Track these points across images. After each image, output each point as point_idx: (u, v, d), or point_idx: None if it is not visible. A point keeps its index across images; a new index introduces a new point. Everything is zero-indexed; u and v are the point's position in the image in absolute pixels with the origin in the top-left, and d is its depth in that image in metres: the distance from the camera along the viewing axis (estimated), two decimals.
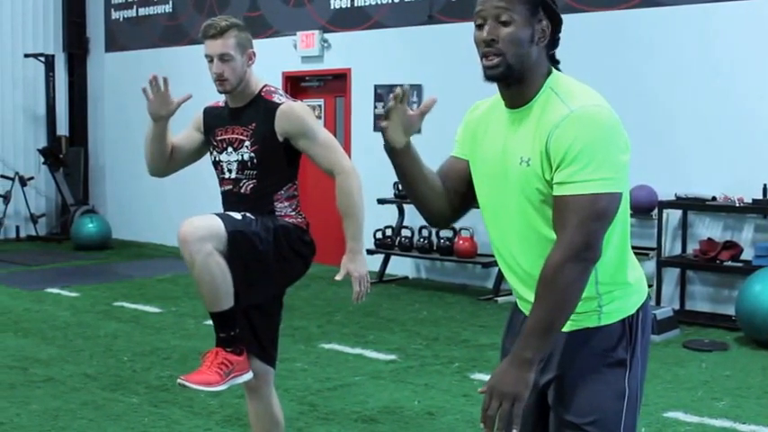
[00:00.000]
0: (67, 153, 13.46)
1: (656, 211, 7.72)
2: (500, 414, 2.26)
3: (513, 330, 2.57)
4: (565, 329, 2.38)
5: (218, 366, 3.54)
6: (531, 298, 2.39)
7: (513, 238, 2.44)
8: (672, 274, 7.90)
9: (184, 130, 3.84)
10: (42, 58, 13.09)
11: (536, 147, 2.30)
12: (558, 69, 2.44)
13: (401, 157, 2.57)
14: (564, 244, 2.24)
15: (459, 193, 2.60)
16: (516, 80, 2.35)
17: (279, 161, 3.61)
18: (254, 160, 3.60)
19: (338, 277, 3.63)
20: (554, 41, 2.41)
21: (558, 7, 2.38)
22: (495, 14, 2.30)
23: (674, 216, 7.90)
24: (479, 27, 2.35)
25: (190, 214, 10.57)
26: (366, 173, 11.19)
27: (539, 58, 2.36)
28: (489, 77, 2.36)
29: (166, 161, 3.79)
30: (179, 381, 3.56)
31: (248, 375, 3.65)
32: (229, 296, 3.49)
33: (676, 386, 5.73)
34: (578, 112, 2.25)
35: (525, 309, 2.51)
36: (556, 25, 2.38)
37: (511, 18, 2.29)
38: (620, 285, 2.40)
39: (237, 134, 3.63)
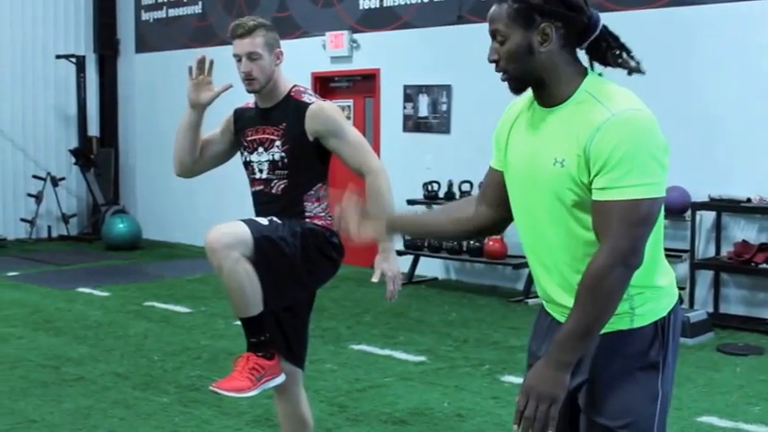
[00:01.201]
0: (98, 153, 13.58)
1: (689, 212, 7.65)
2: (537, 415, 2.26)
3: (540, 333, 2.57)
4: None
5: (249, 372, 3.55)
6: (562, 300, 2.40)
7: (543, 239, 2.43)
8: (705, 277, 7.83)
9: (214, 129, 3.85)
10: (73, 60, 13.21)
11: (573, 148, 2.29)
12: (600, 61, 2.42)
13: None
14: (609, 249, 2.23)
15: (500, 204, 2.60)
16: (536, 86, 2.38)
17: (309, 161, 3.62)
18: (285, 160, 3.61)
19: (374, 279, 3.64)
20: (582, 36, 2.37)
21: (569, 6, 2.32)
22: (493, 35, 2.36)
23: (707, 218, 7.83)
24: None
25: (220, 215, 10.63)
26: (395, 173, 11.12)
27: (555, 60, 2.34)
28: (510, 90, 2.42)
29: (195, 157, 3.79)
30: (211, 388, 3.58)
31: (280, 379, 3.65)
32: (258, 301, 3.49)
33: (710, 390, 5.68)
34: (620, 116, 2.24)
35: (553, 311, 2.51)
36: (569, 22, 2.33)
37: (504, 36, 2.33)
38: (651, 288, 2.38)
39: (268, 134, 3.64)
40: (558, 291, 2.44)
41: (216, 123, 3.87)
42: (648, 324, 2.38)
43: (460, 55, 9.53)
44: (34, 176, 13.08)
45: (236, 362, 3.61)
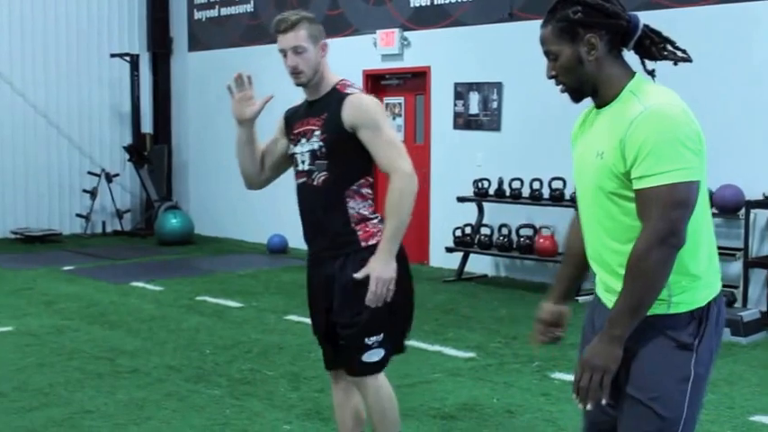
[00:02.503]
0: (152, 150, 13.74)
1: (743, 210, 7.55)
2: (591, 385, 2.49)
3: (591, 316, 2.77)
4: None
5: None
6: (609, 282, 2.60)
7: (591, 226, 2.65)
8: (759, 276, 7.72)
9: (270, 137, 3.89)
10: (127, 58, 13.40)
11: (611, 141, 2.50)
12: (647, 57, 2.59)
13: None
14: (649, 231, 2.41)
15: None
16: (590, 93, 2.61)
17: (347, 152, 3.60)
18: (323, 149, 3.61)
19: (358, 275, 3.56)
20: (625, 38, 2.57)
21: (608, 14, 2.52)
22: (547, 55, 2.61)
23: (762, 216, 7.71)
24: None
25: (271, 210, 10.60)
26: (446, 170, 11.13)
27: (603, 67, 2.56)
28: (571, 100, 2.66)
29: (258, 169, 3.85)
30: None
31: None
32: (398, 422, 3.81)
33: (763, 389, 5.61)
34: (651, 110, 2.43)
35: (601, 294, 2.69)
36: (610, 29, 2.54)
37: (556, 53, 2.57)
38: (689, 277, 2.51)
39: (311, 125, 3.65)
40: (604, 273, 2.64)
41: (271, 130, 3.92)
42: (684, 312, 2.52)
43: (511, 52, 9.49)
44: (89, 173, 13.30)
45: None
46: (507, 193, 9.20)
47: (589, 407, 2.52)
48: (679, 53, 2.59)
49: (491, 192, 9.37)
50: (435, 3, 10.28)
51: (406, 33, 10.62)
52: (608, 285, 2.61)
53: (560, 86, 2.62)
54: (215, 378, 5.88)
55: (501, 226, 9.24)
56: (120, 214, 13.45)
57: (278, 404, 5.32)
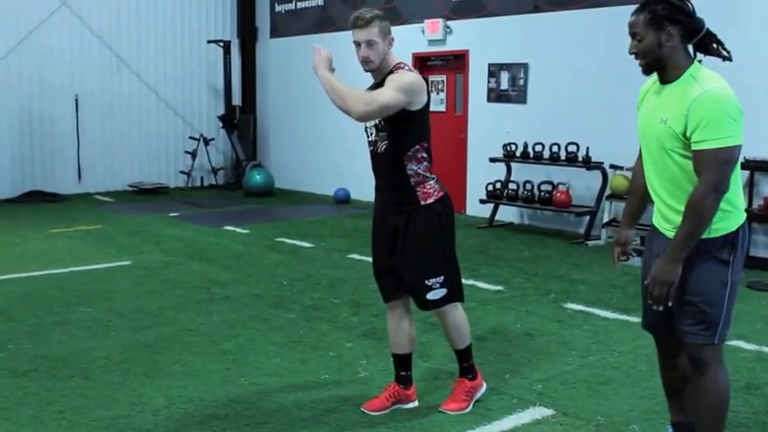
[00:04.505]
0: (240, 119, 13.78)
1: None
2: (662, 294, 2.82)
3: (650, 243, 3.07)
4: None
5: (464, 394, 3.91)
6: (670, 216, 2.90)
7: (654, 175, 2.94)
8: None
9: None
10: (221, 44, 13.39)
11: (676, 112, 2.77)
12: (702, 51, 2.87)
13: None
14: (705, 181, 2.72)
15: None
16: (660, 70, 2.86)
17: (401, 123, 3.56)
18: (382, 123, 3.60)
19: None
20: (692, 35, 2.83)
21: (686, 14, 2.79)
22: (632, 34, 2.86)
23: (742, 176, 7.53)
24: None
25: (337, 168, 10.61)
26: (480, 137, 11.01)
27: (674, 52, 2.81)
28: (643, 72, 2.91)
29: None
30: (439, 409, 3.88)
31: (484, 388, 4.02)
32: (468, 336, 3.87)
33: (738, 319, 5.50)
34: (709, 93, 2.71)
35: (660, 225, 2.98)
36: (685, 26, 2.80)
37: (642, 36, 2.82)
38: (723, 211, 2.80)
39: None
40: (665, 210, 2.92)
41: None
42: (721, 235, 2.83)
43: (536, 38, 9.32)
44: (190, 137, 13.40)
45: (454, 387, 3.96)
46: (531, 155, 9.10)
47: (661, 308, 2.83)
48: (724, 53, 2.85)
49: (518, 154, 9.28)
50: None
51: (449, 22, 10.48)
52: (665, 216, 2.92)
53: (639, 61, 2.84)
54: (291, 304, 5.94)
55: (525, 182, 9.16)
56: (214, 171, 13.56)
57: (341, 326, 5.37)
